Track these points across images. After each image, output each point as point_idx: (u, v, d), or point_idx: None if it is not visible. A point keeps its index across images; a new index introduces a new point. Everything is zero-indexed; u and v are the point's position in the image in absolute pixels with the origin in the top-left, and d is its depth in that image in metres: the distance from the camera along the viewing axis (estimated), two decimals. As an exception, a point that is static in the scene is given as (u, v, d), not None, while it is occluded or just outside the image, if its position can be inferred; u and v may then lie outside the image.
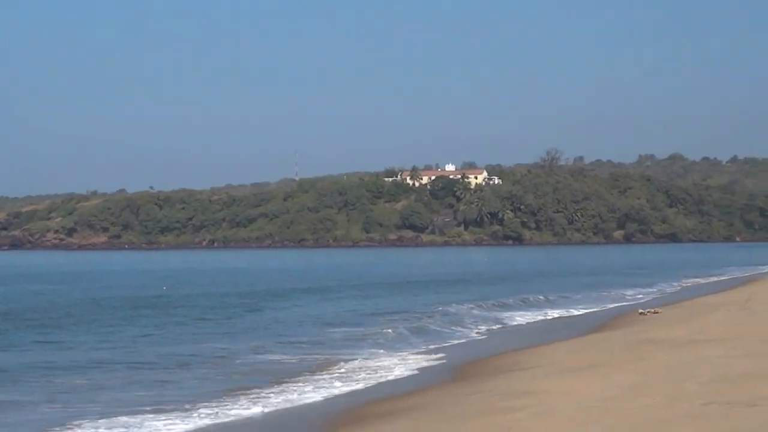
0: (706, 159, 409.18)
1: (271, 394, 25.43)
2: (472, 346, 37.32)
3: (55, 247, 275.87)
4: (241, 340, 41.45)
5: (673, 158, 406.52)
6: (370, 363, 31.93)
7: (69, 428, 21.31)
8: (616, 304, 55.80)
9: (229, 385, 27.89)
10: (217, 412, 22.95)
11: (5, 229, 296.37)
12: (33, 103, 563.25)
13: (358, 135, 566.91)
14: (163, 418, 22.51)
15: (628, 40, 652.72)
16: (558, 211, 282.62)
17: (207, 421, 22.04)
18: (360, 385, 26.38)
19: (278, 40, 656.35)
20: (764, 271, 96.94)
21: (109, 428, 21.25)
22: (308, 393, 25.45)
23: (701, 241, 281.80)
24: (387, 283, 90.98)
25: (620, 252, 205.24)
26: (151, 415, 22.64)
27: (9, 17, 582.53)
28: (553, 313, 51.13)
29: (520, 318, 48.66)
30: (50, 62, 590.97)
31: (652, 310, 48.22)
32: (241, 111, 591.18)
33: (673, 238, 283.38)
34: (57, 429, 21.57)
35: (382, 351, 35.58)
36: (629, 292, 64.65)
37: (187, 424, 21.77)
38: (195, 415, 22.82)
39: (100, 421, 22.32)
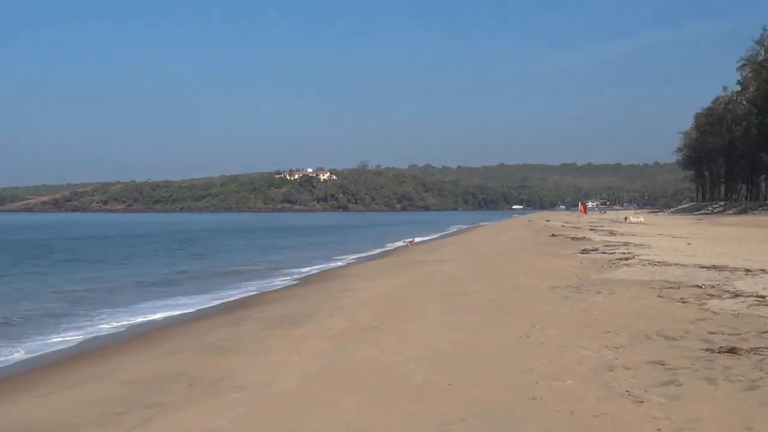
0: (444, 166, 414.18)
1: (210, 287, 24.65)
2: (320, 262, 37.15)
3: (96, 211, 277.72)
4: (212, 260, 40.22)
5: (428, 166, 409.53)
6: (262, 273, 31.13)
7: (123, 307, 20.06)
8: (396, 243, 54.37)
9: (214, 282, 27.32)
10: (208, 296, 22.53)
11: (69, 201, 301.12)
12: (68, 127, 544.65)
13: (261, 147, 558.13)
14: (186, 297, 22.17)
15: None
16: (366, 194, 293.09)
17: (202, 298, 21.48)
18: (261, 285, 26.03)
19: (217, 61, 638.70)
20: (473, 226, 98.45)
21: (148, 306, 20.28)
22: (233, 288, 24.65)
23: (441, 210, 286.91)
24: (277, 229, 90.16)
25: (400, 215, 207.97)
26: (170, 299, 21.94)
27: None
28: (373, 251, 50.49)
29: (351, 255, 47.80)
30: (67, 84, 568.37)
31: (409, 243, 49.16)
32: (193, 131, 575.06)
33: (426, 208, 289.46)
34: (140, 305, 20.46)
35: (279, 269, 33.80)
36: (404, 236, 63.26)
37: (184, 301, 21.23)
38: (200, 297, 22.31)
39: (143, 303, 21.27)
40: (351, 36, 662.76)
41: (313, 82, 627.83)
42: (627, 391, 7.27)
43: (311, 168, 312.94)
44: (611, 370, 8.16)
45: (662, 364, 8.31)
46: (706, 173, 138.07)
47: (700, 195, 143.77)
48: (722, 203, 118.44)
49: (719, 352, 8.68)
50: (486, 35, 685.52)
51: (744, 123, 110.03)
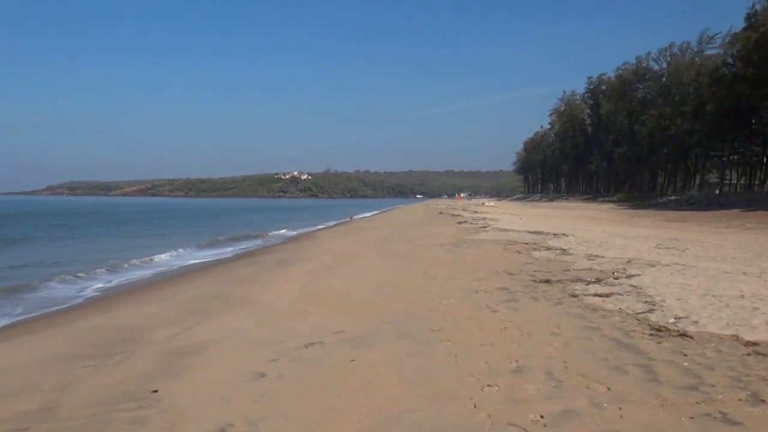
0: (376, 171, 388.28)
1: (235, 242, 23.69)
2: (300, 229, 36.36)
3: (166, 197, 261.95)
4: (237, 226, 38.23)
5: (366, 170, 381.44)
6: (266, 235, 30.25)
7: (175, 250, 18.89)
8: (344, 218, 50.21)
9: (237, 239, 25.91)
10: (233, 247, 21.37)
11: (150, 189, 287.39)
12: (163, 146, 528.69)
13: (266, 157, 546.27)
14: (219, 248, 20.78)
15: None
16: (329, 188, 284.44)
17: (229, 249, 20.34)
18: (265, 242, 25.38)
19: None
20: (393, 208, 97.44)
21: (195, 254, 19.04)
22: (248, 243, 23.90)
23: (374, 198, 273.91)
24: (280, 208, 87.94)
25: (349, 201, 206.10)
26: (206, 249, 20.64)
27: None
28: (332, 222, 49.47)
29: (319, 224, 45.83)
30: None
31: (350, 218, 48.55)
32: (226, 146, 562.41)
33: (365, 197, 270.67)
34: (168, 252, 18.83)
35: (283, 230, 32.64)
36: (349, 214, 57.61)
37: (218, 250, 20.05)
38: (228, 248, 21.01)
39: (183, 248, 20.28)
40: (325, 95, 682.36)
41: (299, 118, 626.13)
42: (487, 305, 7.39)
43: (296, 171, 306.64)
44: (477, 293, 8.26)
45: (507, 289, 8.46)
46: (530, 177, 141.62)
47: (527, 190, 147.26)
48: (539, 195, 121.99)
49: (540, 282, 8.89)
50: (407, 91, 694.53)
51: (552, 147, 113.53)
